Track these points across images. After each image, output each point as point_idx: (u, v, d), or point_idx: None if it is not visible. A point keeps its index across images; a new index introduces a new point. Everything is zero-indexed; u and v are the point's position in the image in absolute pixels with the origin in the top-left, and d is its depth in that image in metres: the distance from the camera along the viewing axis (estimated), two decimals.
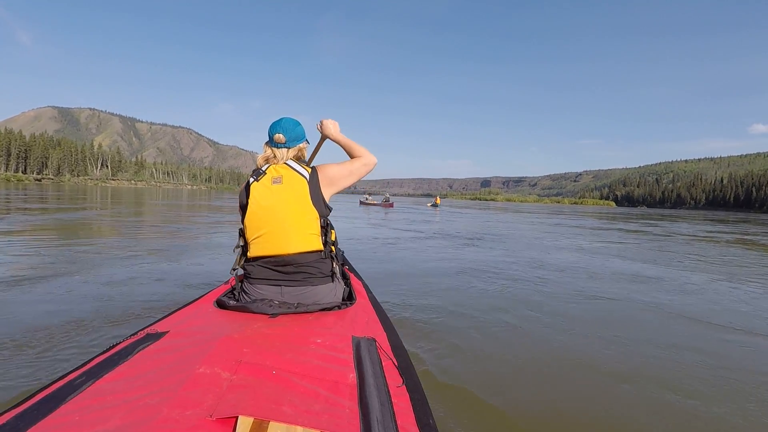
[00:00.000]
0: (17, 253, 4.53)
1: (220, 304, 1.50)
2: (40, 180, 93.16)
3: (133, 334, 1.23)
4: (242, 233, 1.60)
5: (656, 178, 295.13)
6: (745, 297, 4.00)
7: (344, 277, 1.85)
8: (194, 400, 0.79)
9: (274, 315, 1.39)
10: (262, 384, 0.88)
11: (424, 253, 6.14)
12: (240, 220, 1.60)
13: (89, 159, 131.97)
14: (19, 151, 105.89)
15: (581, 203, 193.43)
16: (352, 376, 0.98)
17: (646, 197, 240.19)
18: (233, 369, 0.92)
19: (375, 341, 1.20)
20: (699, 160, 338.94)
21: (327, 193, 1.62)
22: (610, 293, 3.92)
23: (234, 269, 1.65)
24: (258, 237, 1.54)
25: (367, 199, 29.33)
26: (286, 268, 1.54)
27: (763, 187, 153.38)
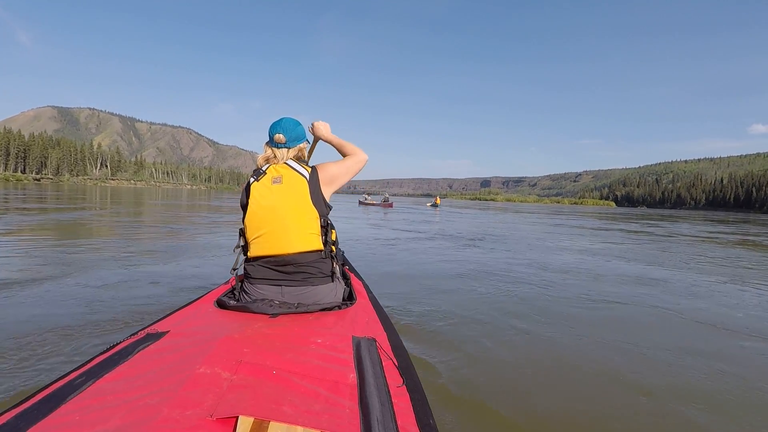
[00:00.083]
0: (8, 254, 4.41)
1: (221, 304, 1.50)
2: (39, 180, 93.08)
3: (133, 334, 1.24)
4: (242, 233, 1.61)
5: (656, 179, 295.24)
6: (754, 300, 3.91)
7: (344, 277, 1.85)
8: (194, 400, 0.79)
9: (274, 315, 1.39)
10: (263, 384, 0.88)
11: (424, 254, 6.12)
12: (241, 219, 1.61)
13: (88, 159, 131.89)
14: (18, 151, 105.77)
15: (581, 203, 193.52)
16: (353, 376, 0.98)
17: (646, 197, 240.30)
18: (233, 369, 0.92)
19: (375, 341, 1.21)
20: (699, 160, 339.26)
21: (327, 192, 1.63)
22: (616, 296, 3.83)
23: (234, 269, 1.65)
24: (258, 237, 1.54)
25: (366, 199, 29.30)
26: (286, 268, 1.54)
27: (763, 187, 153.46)
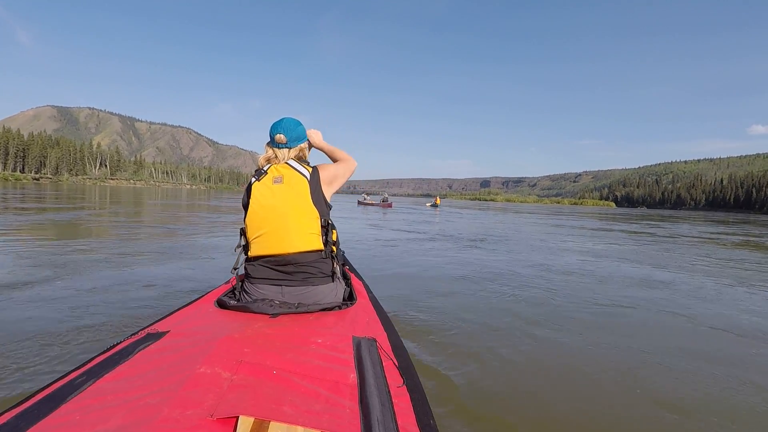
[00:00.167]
0: None
1: (221, 304, 1.50)
2: (38, 179, 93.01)
3: (133, 334, 1.24)
4: (243, 232, 1.61)
5: (656, 179, 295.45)
6: (765, 304, 3.83)
7: (345, 277, 1.85)
8: (195, 400, 0.79)
9: (274, 315, 1.39)
10: (263, 384, 0.88)
11: (425, 255, 6.11)
12: (243, 219, 1.61)
13: (88, 158, 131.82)
14: (17, 150, 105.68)
15: (581, 204, 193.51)
16: (353, 376, 0.98)
17: (646, 198, 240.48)
18: (234, 369, 0.92)
19: (375, 341, 1.21)
20: (698, 160, 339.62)
21: (328, 191, 1.65)
22: (623, 299, 3.73)
23: (235, 268, 1.65)
24: (259, 236, 1.54)
25: (365, 198, 29.33)
26: (286, 268, 1.55)
27: (763, 188, 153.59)
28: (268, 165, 1.64)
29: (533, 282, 4.33)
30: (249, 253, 1.59)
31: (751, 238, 12.78)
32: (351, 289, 1.78)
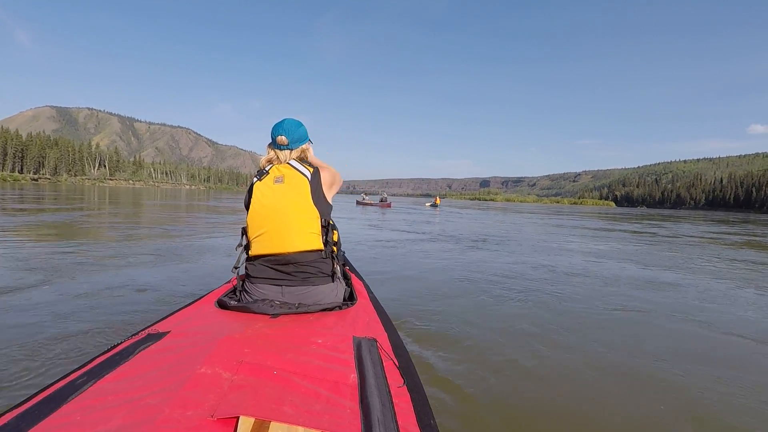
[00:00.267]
0: None
1: (221, 305, 1.50)
2: (36, 180, 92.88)
3: (134, 334, 1.24)
4: (245, 232, 1.62)
5: (655, 179, 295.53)
6: None
7: (345, 277, 1.86)
8: (195, 400, 0.79)
9: (275, 315, 1.39)
10: (263, 384, 0.88)
11: (426, 255, 6.09)
12: (245, 219, 1.62)
13: (87, 159, 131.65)
14: (16, 151, 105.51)
15: (581, 203, 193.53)
16: (353, 377, 0.98)
17: (646, 197, 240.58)
18: (234, 369, 0.92)
19: (376, 341, 1.21)
20: (698, 160, 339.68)
21: (329, 193, 1.66)
22: (630, 301, 3.66)
23: (236, 267, 1.66)
24: (259, 235, 1.55)
25: (364, 198, 29.33)
26: (287, 267, 1.55)
27: (763, 187, 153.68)
28: (270, 166, 1.65)
29: (537, 284, 4.27)
30: (250, 252, 1.60)
31: (755, 238, 12.75)
32: (351, 290, 1.78)
